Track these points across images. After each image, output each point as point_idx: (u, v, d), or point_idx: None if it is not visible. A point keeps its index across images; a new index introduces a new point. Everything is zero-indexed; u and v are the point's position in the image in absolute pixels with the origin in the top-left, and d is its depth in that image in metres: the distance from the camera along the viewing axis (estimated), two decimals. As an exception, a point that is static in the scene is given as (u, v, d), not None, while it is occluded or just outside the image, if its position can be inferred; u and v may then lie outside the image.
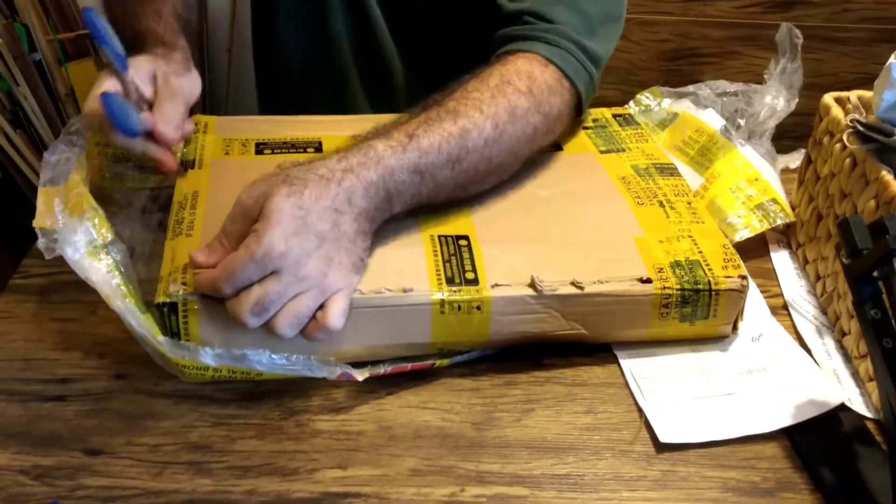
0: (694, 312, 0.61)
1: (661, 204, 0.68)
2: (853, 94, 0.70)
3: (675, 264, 0.61)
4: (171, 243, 0.60)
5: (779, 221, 0.74)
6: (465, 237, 0.62)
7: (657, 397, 0.59)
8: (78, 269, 0.55)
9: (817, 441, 0.56)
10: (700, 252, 0.62)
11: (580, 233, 0.64)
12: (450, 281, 0.58)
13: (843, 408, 0.59)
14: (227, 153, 0.71)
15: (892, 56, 0.63)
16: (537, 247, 0.62)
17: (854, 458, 0.55)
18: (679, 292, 0.59)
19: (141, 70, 0.65)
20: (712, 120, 0.79)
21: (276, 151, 0.71)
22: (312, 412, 0.58)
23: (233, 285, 0.52)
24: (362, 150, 0.58)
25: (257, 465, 0.54)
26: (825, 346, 0.65)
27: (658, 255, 0.62)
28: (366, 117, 0.77)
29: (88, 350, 0.62)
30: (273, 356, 0.54)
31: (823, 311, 0.68)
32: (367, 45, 0.87)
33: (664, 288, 0.59)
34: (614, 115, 0.83)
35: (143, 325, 0.54)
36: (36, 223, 0.58)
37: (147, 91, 0.65)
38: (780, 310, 0.69)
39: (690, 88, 0.83)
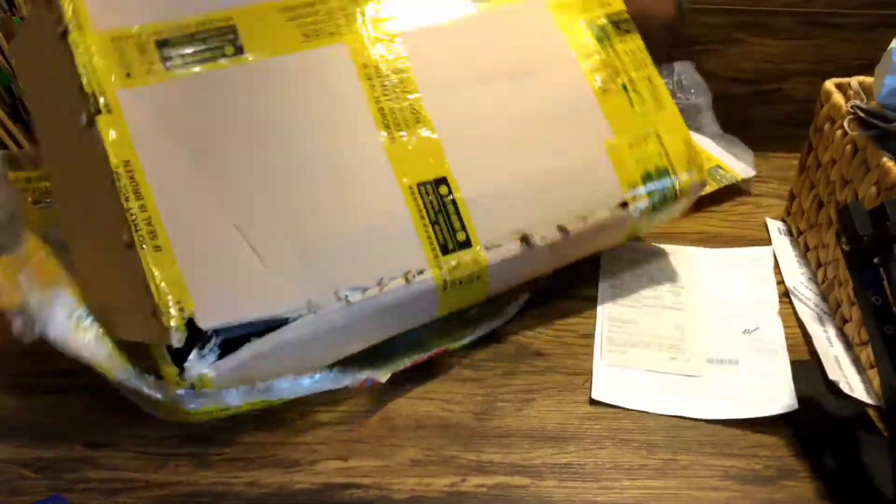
0: (658, 216, 0.66)
1: (624, 88, 0.67)
2: (854, 80, 0.70)
3: (646, 176, 0.64)
4: (147, 259, 0.46)
5: (724, 183, 0.81)
6: (443, 180, 0.58)
7: (611, 359, 0.62)
8: (65, 349, 0.49)
9: (818, 428, 0.57)
10: (666, 154, 0.65)
11: (554, 154, 0.62)
12: (443, 248, 0.56)
13: (843, 395, 0.58)
14: (128, 74, 0.50)
15: (894, 41, 0.62)
16: (517, 185, 0.60)
17: (855, 445, 0.55)
18: (650, 207, 0.64)
19: None
20: None
21: (187, 61, 0.52)
22: (313, 403, 0.57)
23: None
24: None
25: (259, 456, 0.54)
26: (826, 334, 0.65)
27: (630, 166, 0.64)
28: None
29: (90, 343, 0.62)
30: (298, 379, 0.52)
31: (824, 299, 0.68)
32: None
33: (637, 208, 0.63)
34: None
35: (154, 385, 0.49)
36: (4, 304, 0.50)
37: None
38: (782, 297, 0.69)
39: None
